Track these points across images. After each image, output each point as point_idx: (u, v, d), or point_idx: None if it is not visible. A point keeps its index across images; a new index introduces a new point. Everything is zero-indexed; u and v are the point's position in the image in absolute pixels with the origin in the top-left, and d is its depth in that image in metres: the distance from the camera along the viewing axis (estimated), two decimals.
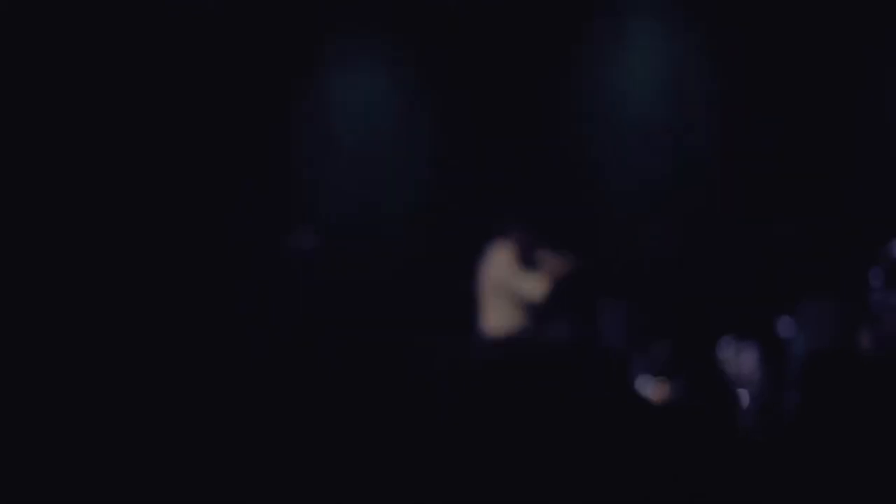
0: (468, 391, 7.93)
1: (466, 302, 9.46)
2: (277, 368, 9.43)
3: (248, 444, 6.51)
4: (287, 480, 5.86)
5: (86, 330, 9.81)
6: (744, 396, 8.82)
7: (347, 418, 6.66)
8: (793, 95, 10.30)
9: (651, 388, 8.58)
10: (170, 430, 7.08)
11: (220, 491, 5.89)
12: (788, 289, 9.09)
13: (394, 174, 11.19)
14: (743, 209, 10.35)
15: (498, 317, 9.13)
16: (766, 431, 8.20)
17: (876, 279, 8.86)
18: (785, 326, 8.93)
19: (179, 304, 10.33)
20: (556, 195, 10.70)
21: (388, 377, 8.19)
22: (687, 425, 6.68)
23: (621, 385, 7.70)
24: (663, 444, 6.19)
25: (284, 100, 11.11)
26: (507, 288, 9.11)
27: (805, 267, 9.62)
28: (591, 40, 10.99)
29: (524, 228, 9.24)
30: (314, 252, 9.97)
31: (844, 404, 6.02)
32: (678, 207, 10.54)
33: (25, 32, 10.24)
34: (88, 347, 9.64)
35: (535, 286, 9.12)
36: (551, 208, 10.43)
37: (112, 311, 10.01)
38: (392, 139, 11.20)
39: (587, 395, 6.88)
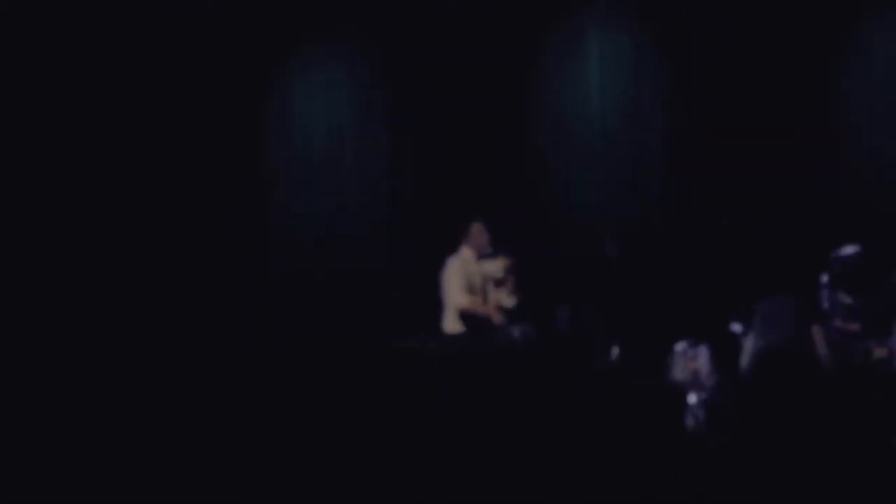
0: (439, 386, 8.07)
1: (429, 303, 9.52)
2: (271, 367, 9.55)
3: (246, 442, 6.57)
4: (283, 479, 5.90)
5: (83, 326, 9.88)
6: (696, 395, 8.97)
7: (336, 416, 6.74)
8: (749, 100, 10.36)
9: (604, 385, 8.69)
10: (168, 425, 7.14)
11: (218, 489, 5.91)
12: (742, 290, 9.18)
13: (357, 180, 11.28)
14: (698, 211, 10.42)
15: (458, 317, 9.20)
16: (718, 429, 8.34)
17: (825, 280, 9.04)
18: (737, 326, 9.08)
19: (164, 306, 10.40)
20: (517, 199, 10.79)
21: (365, 375, 8.30)
22: (636, 422, 6.82)
23: (575, 382, 7.84)
24: (613, 442, 6.31)
25: (251, 110, 11.23)
26: (469, 282, 9.21)
27: (758, 268, 9.72)
28: (549, 50, 11.07)
29: (485, 228, 9.33)
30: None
31: (792, 401, 6.14)
32: (634, 211, 10.61)
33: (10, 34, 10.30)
34: (86, 343, 9.71)
35: (495, 273, 9.27)
36: (511, 211, 10.56)
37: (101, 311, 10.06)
38: (355, 147, 11.30)
39: (545, 391, 7.01)
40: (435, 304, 9.31)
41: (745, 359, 8.82)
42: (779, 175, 10.18)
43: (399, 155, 11.28)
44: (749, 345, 8.90)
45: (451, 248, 9.36)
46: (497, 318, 9.07)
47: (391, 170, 11.28)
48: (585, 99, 10.97)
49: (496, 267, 9.35)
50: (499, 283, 9.36)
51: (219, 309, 10.75)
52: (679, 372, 9.10)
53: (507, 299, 9.35)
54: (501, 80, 10.92)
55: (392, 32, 11.19)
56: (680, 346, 9.19)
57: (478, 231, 9.33)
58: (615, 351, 9.03)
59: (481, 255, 9.35)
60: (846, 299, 8.98)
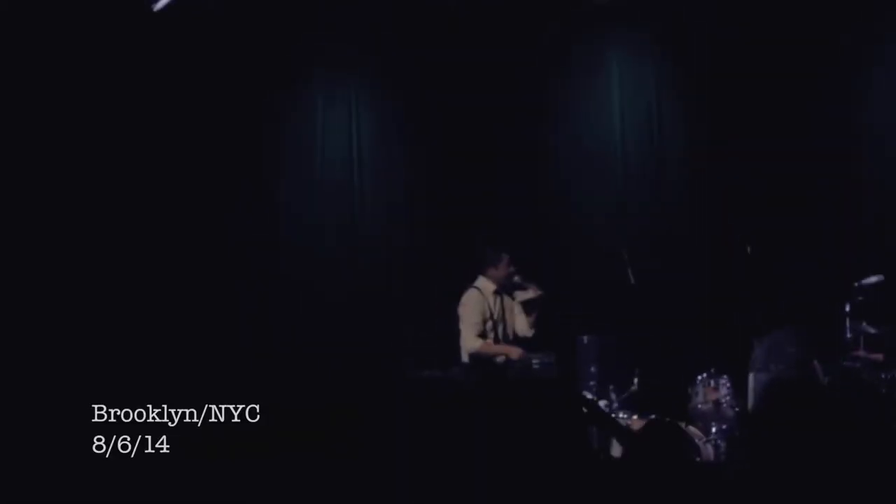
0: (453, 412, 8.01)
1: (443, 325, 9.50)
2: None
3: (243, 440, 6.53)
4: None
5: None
6: (717, 426, 8.90)
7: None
8: (764, 125, 10.34)
9: (624, 421, 8.64)
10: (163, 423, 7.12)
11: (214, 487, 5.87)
12: (759, 318, 9.12)
13: (370, 199, 11.29)
14: (715, 239, 10.39)
15: (477, 341, 9.14)
16: (738, 461, 8.25)
17: (848, 309, 8.96)
18: (755, 357, 9.00)
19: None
20: (532, 225, 10.78)
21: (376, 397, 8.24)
22: (660, 458, 6.75)
23: (595, 416, 7.78)
24: (636, 478, 6.26)
25: (261, 122, 11.18)
26: (485, 317, 9.15)
27: (776, 296, 9.66)
28: (569, 73, 11.07)
29: (507, 257, 9.28)
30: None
31: (802, 432, 6.08)
32: (653, 239, 10.58)
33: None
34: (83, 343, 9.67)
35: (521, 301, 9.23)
36: (526, 238, 10.55)
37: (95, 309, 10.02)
38: (370, 167, 11.31)
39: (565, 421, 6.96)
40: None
41: (750, 394, 8.69)
42: (799, 204, 10.19)
43: (413, 172, 11.24)
44: (753, 379, 8.77)
45: (467, 275, 9.35)
46: (515, 353, 9.01)
47: (405, 186, 11.26)
48: (607, 123, 10.99)
49: (524, 297, 9.30)
50: (524, 311, 9.31)
51: (230, 316, 10.70)
52: (700, 402, 9.03)
53: (528, 329, 9.31)
54: (520, 102, 10.97)
55: (408, 54, 11.19)
56: (701, 376, 9.12)
57: (504, 264, 9.27)
58: (635, 381, 8.98)
59: (505, 286, 9.30)
60: (869, 329, 8.90)
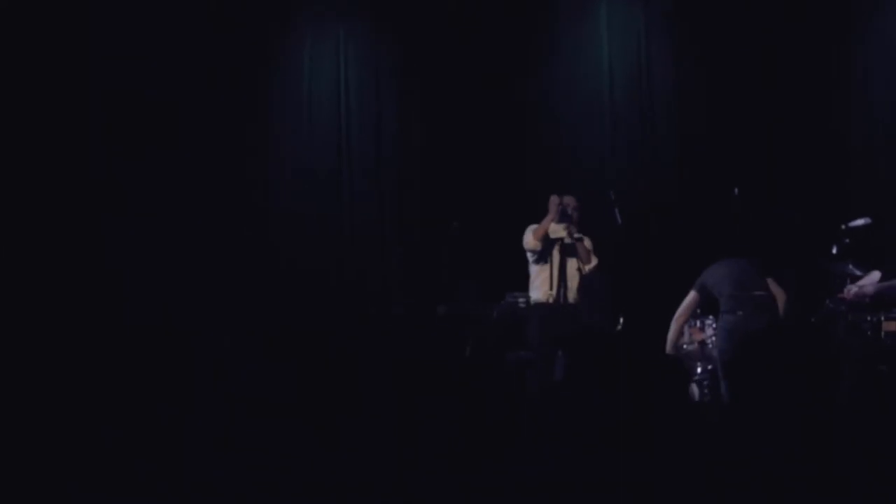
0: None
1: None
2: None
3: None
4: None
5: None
6: (703, 366, 8.94)
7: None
8: (753, 69, 10.33)
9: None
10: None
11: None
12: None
13: (365, 154, 11.28)
14: (703, 182, 10.39)
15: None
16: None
17: (835, 251, 8.96)
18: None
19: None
20: (520, 168, 10.78)
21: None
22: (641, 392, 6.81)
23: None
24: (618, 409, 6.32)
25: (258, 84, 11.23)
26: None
27: (770, 238, 9.68)
28: (557, 17, 11.04)
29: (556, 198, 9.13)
30: None
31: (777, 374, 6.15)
32: (640, 182, 10.59)
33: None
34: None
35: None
36: (514, 180, 10.55)
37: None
38: (357, 112, 11.29)
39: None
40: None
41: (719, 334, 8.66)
42: (791, 145, 10.21)
43: (406, 119, 11.26)
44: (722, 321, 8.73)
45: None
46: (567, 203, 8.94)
47: (399, 134, 11.27)
48: (595, 67, 10.95)
49: (558, 234, 9.17)
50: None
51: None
52: (686, 342, 9.06)
53: (588, 262, 9.13)
54: (513, 47, 10.94)
55: (405, 9, 11.17)
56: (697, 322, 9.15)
57: (554, 203, 9.12)
58: (620, 320, 8.97)
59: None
60: (856, 271, 8.90)
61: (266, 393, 6.98)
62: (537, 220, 9.14)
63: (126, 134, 10.59)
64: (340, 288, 10.86)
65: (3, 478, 5.40)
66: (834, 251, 8.91)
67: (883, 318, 8.53)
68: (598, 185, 10.09)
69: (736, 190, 9.31)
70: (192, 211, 10.67)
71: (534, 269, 9.09)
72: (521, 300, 9.27)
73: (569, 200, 9.06)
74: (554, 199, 9.03)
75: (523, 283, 9.26)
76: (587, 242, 9.10)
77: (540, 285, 9.02)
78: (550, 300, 8.85)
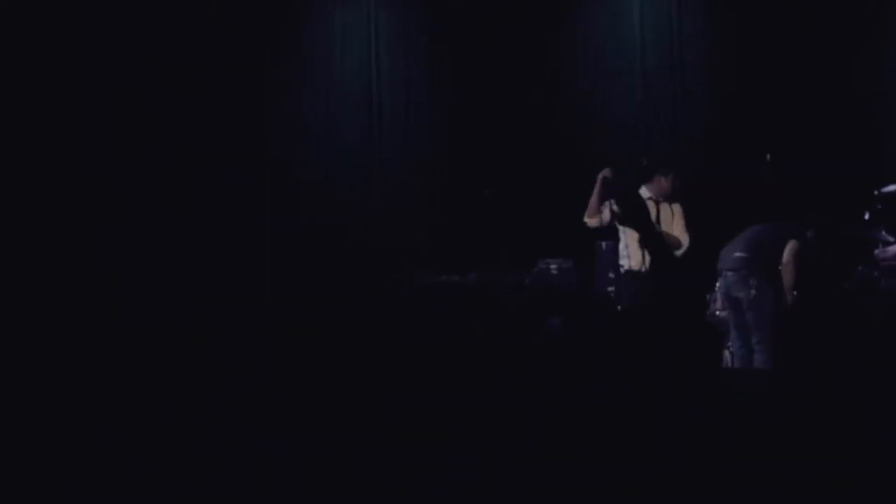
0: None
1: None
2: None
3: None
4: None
5: None
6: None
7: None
8: (787, 38, 10.29)
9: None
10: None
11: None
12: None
13: (392, 116, 11.30)
14: (736, 150, 10.36)
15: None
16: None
17: (867, 216, 8.94)
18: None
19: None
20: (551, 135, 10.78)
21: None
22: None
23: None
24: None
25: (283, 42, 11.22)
26: None
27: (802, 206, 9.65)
28: None
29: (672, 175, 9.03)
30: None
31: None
32: (675, 149, 10.57)
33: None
34: None
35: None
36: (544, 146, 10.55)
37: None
38: (390, 80, 11.31)
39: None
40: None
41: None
42: (824, 109, 10.18)
43: (431, 82, 11.27)
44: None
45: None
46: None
47: (428, 106, 11.28)
48: (627, 35, 10.93)
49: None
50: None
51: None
52: (717, 308, 9.07)
53: (683, 236, 9.06)
54: (540, 13, 10.93)
55: None
56: (718, 283, 9.13)
57: (669, 180, 8.96)
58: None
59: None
60: (889, 237, 8.89)
61: (267, 393, 6.99)
62: (566, 187, 9.13)
63: (126, 134, 10.61)
64: (370, 256, 10.89)
65: (3, 478, 5.46)
66: (866, 217, 8.91)
67: None
68: (629, 153, 10.09)
69: (769, 156, 9.29)
70: (205, 203, 10.69)
71: (622, 239, 8.98)
72: (552, 267, 9.28)
73: (606, 173, 8.91)
74: (601, 176, 8.87)
75: (555, 249, 9.29)
76: (677, 217, 8.99)
77: (628, 255, 8.89)
78: (642, 269, 8.72)
